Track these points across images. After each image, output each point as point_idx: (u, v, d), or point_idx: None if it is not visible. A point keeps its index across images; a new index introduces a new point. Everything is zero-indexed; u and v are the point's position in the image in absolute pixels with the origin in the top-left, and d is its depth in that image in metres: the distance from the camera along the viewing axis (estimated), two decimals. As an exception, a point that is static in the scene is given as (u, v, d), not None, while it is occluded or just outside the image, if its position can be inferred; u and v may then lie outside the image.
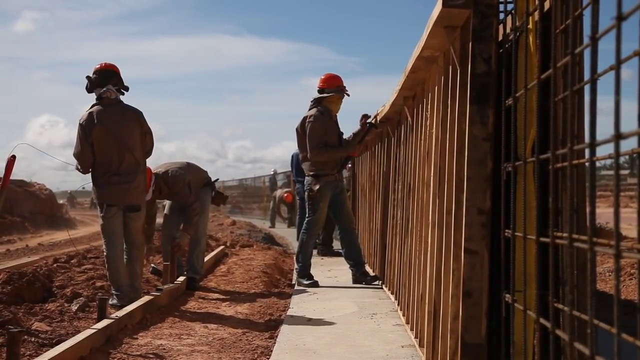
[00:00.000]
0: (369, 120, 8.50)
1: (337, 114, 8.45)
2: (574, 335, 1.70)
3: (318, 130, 8.16)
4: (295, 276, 8.54)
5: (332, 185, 8.31)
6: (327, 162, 8.23)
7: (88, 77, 6.66)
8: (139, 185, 6.63)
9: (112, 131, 6.48)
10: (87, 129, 6.47)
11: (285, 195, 23.18)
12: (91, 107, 6.58)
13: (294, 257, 8.71)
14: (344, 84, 8.43)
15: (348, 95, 8.43)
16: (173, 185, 7.95)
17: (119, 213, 6.57)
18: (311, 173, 8.27)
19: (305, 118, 8.26)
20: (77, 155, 6.55)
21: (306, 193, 8.40)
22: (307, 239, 8.33)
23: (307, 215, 8.42)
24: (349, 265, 8.38)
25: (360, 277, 8.23)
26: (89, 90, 6.66)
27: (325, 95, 8.30)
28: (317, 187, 8.15)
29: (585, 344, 1.60)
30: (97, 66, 6.68)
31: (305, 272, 8.25)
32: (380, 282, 8.02)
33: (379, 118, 7.69)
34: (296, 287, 8.11)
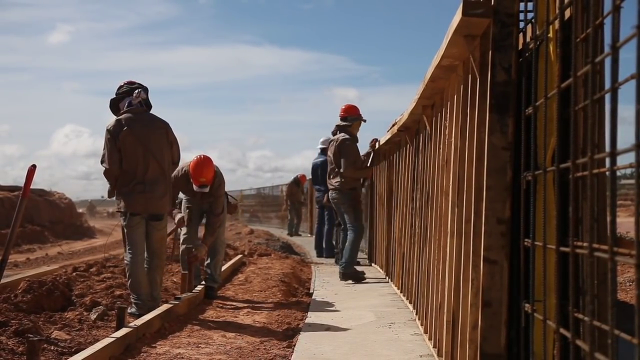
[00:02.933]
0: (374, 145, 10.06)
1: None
2: (594, 346, 1.69)
3: (354, 151, 9.74)
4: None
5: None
6: (355, 179, 9.82)
7: (117, 94, 6.74)
8: (163, 194, 6.64)
9: (139, 137, 6.52)
10: (115, 134, 6.51)
11: (301, 176, 23.26)
12: (120, 115, 6.63)
13: (340, 255, 10.01)
14: (360, 112, 10.06)
15: (364, 121, 10.00)
16: (218, 188, 7.97)
17: (141, 222, 6.59)
18: (350, 186, 9.72)
19: (343, 140, 9.71)
20: (105, 162, 6.57)
21: (343, 205, 9.78)
22: (358, 241, 9.75)
23: (351, 223, 9.74)
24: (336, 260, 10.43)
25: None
26: (116, 106, 6.72)
27: (349, 123, 9.84)
28: (356, 196, 9.83)
29: (606, 355, 1.59)
30: (121, 83, 6.77)
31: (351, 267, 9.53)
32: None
33: (395, 128, 7.70)
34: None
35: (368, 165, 10.24)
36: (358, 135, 10.13)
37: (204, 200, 8.01)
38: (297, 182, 23.61)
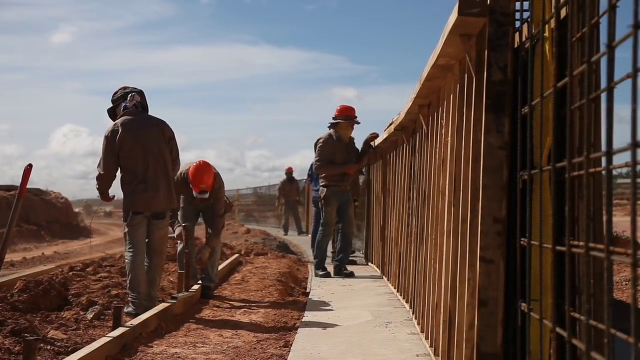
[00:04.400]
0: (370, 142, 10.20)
1: (350, 137, 10.15)
2: (590, 345, 1.69)
3: (323, 150, 9.97)
4: (311, 273, 10.31)
5: (339, 195, 10.05)
6: (332, 175, 9.94)
7: (113, 101, 6.80)
8: (164, 192, 6.66)
9: (136, 137, 6.56)
10: (111, 138, 6.57)
11: (287, 168, 23.17)
12: (116, 120, 6.69)
13: (313, 254, 10.60)
14: (356, 114, 10.16)
15: (358, 123, 10.13)
16: (218, 190, 7.97)
17: (143, 221, 6.62)
18: (322, 183, 10.12)
19: (318, 140, 10.09)
20: (100, 166, 6.62)
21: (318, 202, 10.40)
22: (322, 238, 10.09)
23: (321, 218, 10.23)
24: (333, 258, 10.39)
25: (339, 271, 9.87)
26: (113, 112, 6.78)
27: (336, 121, 10.03)
28: (324, 194, 10.01)
29: (602, 354, 1.59)
30: (115, 90, 6.85)
31: (320, 265, 9.98)
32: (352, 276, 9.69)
33: (393, 127, 7.71)
34: (313, 277, 9.80)
35: (361, 159, 10.28)
36: (354, 135, 10.26)
37: (203, 201, 8.00)
38: (290, 178, 23.25)
